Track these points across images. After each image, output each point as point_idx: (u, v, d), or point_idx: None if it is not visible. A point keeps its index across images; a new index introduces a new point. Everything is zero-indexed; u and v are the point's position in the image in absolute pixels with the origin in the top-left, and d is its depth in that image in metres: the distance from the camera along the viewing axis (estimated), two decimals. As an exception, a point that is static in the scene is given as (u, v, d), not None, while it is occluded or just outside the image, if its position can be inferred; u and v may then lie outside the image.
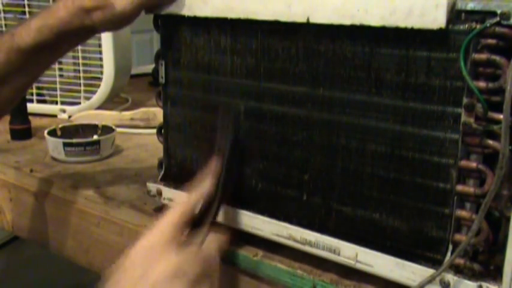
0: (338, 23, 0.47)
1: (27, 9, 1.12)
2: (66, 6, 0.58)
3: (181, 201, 0.52)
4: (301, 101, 0.52)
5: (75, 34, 0.60)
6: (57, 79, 1.15)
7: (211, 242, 0.53)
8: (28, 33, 0.59)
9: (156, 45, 0.71)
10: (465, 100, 0.43)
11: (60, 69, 1.18)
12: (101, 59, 1.11)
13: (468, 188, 0.44)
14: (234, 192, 0.58)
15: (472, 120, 0.43)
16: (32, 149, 0.94)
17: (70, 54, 1.13)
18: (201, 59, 0.59)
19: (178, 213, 0.51)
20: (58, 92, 1.14)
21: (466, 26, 0.42)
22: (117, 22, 0.59)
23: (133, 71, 1.22)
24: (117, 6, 0.56)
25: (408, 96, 0.46)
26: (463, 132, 0.44)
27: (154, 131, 0.67)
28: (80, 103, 1.15)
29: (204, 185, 0.54)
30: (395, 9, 0.44)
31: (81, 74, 1.14)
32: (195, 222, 0.53)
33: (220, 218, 0.60)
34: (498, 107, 0.41)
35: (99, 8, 0.57)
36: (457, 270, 0.46)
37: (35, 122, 1.03)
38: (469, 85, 0.42)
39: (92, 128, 0.94)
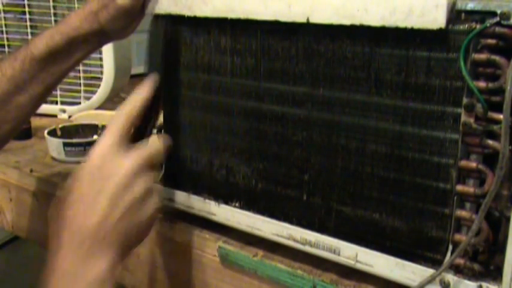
0: (338, 23, 0.47)
1: (27, 9, 1.12)
2: (77, 13, 0.63)
3: (121, 114, 0.53)
4: (301, 101, 0.52)
5: (85, 40, 0.63)
6: (57, 79, 1.15)
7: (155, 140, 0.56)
8: (41, 40, 0.63)
9: (156, 46, 0.71)
10: (465, 100, 0.43)
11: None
12: (101, 59, 1.11)
13: (468, 188, 0.44)
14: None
15: (472, 120, 0.43)
16: (32, 149, 0.94)
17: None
18: (201, 59, 0.59)
19: (121, 125, 0.52)
20: (58, 92, 1.14)
21: (466, 26, 0.42)
22: (122, 18, 0.61)
23: (133, 71, 1.22)
24: (119, 0, 0.60)
25: (408, 96, 0.46)
26: (463, 132, 0.44)
27: (154, 131, 0.67)
28: (80, 103, 1.14)
29: (140, 95, 0.55)
30: (395, 9, 0.44)
31: (81, 74, 1.13)
32: (135, 136, 0.55)
33: (220, 218, 0.60)
34: (498, 107, 0.41)
35: (104, 7, 0.61)
36: (457, 270, 0.46)
37: (35, 122, 1.03)
38: (469, 85, 0.42)
39: (92, 128, 0.94)
